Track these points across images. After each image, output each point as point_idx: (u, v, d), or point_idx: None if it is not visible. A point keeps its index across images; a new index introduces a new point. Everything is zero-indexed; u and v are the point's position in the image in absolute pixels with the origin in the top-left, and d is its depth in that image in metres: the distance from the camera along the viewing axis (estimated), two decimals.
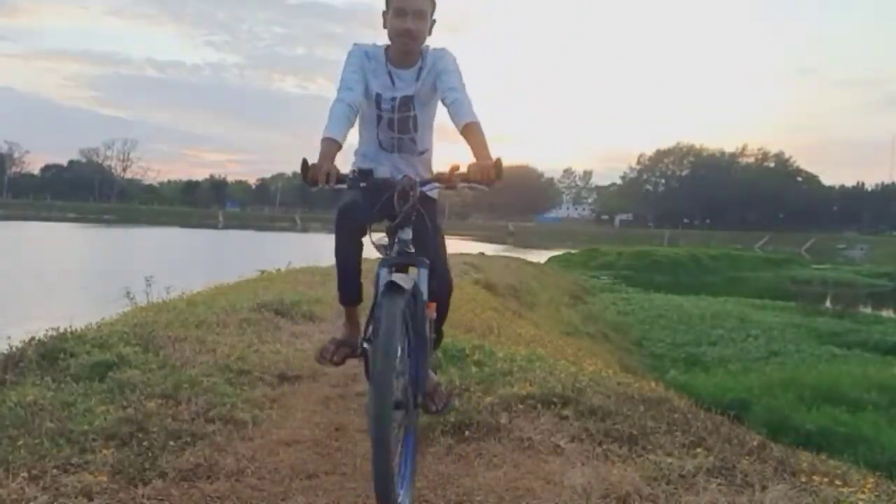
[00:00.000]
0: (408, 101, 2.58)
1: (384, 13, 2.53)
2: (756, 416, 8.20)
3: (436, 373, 3.00)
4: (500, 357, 4.16)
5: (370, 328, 2.15)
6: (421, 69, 2.56)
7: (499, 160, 2.23)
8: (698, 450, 2.68)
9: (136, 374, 3.40)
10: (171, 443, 2.63)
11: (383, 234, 2.31)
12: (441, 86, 2.52)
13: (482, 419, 2.98)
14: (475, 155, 2.32)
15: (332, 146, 2.33)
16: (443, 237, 2.65)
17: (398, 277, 2.12)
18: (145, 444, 2.60)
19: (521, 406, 3.15)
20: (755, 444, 2.87)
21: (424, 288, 2.27)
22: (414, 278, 2.22)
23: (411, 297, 2.13)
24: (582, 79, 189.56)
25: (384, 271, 2.17)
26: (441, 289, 2.54)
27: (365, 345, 2.24)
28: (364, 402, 3.13)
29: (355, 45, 2.60)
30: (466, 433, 2.87)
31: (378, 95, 2.57)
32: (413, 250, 2.28)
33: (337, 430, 3.04)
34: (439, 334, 2.80)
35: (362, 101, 2.54)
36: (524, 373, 3.75)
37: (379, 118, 2.60)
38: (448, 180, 2.31)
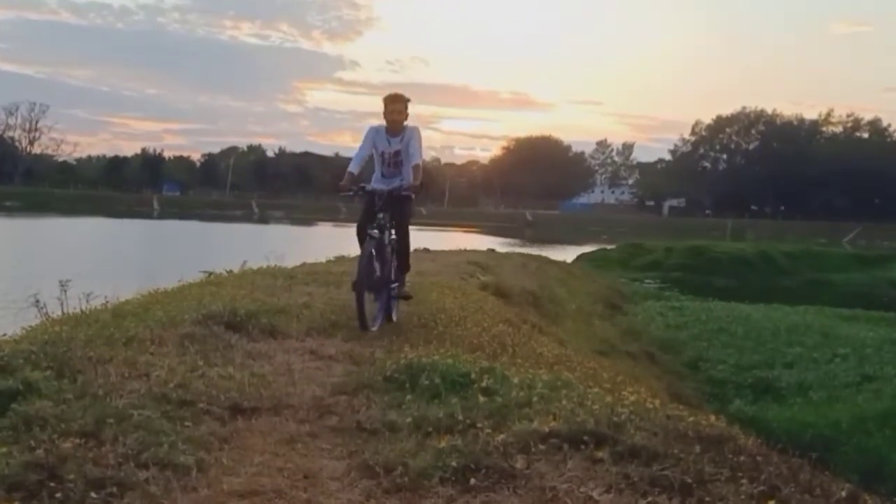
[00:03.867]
0: (398, 153, 6.84)
1: (384, 112, 6.76)
2: (845, 458, 8.23)
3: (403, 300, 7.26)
4: (514, 383, 4.18)
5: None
6: (403, 136, 6.81)
7: (422, 183, 6.79)
8: (771, 502, 2.69)
9: (48, 406, 3.40)
10: (93, 494, 2.64)
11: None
12: (409, 145, 6.80)
13: (492, 463, 2.99)
14: (413, 178, 6.77)
15: (351, 174, 6.76)
16: (409, 217, 6.99)
17: (375, 233, 6.60)
18: (58, 495, 2.60)
19: (542, 446, 3.16)
20: (843, 494, 2.88)
21: (387, 240, 6.79)
22: (380, 236, 6.64)
23: (381, 241, 6.68)
24: (622, 25, 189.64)
25: (371, 231, 6.59)
26: (402, 242, 6.93)
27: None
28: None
29: (370, 126, 6.91)
30: (472, 481, 2.88)
31: (383, 152, 6.85)
32: (385, 223, 6.70)
33: (305, 479, 3.05)
34: (404, 275, 7.19)
35: (373, 154, 6.87)
36: (546, 403, 3.76)
37: (383, 162, 6.88)
38: (401, 189, 6.76)
